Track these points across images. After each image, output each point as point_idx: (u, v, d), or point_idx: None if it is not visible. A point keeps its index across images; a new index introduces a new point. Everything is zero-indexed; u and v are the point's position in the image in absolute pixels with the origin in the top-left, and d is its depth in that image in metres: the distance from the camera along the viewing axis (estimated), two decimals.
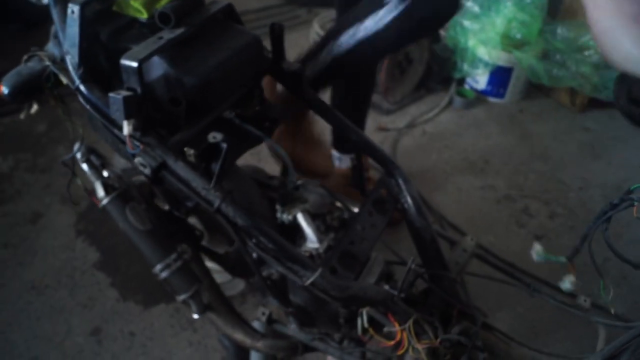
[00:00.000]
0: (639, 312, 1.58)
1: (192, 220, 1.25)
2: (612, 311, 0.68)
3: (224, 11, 0.90)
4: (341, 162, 1.82)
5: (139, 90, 0.75)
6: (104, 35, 0.86)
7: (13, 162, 2.05)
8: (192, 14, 0.85)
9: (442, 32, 2.52)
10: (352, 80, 1.67)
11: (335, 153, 1.84)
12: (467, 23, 2.34)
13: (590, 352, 0.77)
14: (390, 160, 1.03)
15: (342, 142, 1.78)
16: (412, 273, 0.93)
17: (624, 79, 0.46)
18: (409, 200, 1.00)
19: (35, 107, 0.94)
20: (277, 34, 0.93)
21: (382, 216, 1.00)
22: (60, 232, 1.80)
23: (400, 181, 1.01)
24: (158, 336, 1.53)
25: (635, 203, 0.50)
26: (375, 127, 2.30)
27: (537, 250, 0.70)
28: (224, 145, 0.80)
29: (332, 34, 1.36)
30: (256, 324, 1.10)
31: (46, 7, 0.85)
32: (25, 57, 0.89)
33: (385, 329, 0.88)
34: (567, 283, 0.76)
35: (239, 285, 1.56)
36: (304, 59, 1.41)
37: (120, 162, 1.16)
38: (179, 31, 0.80)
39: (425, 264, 1.01)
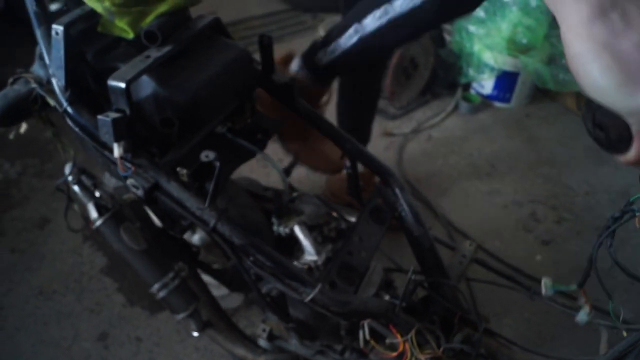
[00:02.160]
0: None
1: (188, 236, 1.25)
2: (625, 334, 0.67)
3: (211, 26, 0.89)
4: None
5: (127, 111, 0.73)
6: (90, 55, 0.84)
7: (21, 168, 2.06)
8: (179, 30, 0.83)
9: (447, 37, 2.52)
10: (358, 84, 1.67)
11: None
12: (472, 28, 2.34)
13: (595, 356, 0.77)
14: (386, 168, 1.02)
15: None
16: (413, 282, 0.92)
17: (590, 103, 0.46)
18: (406, 208, 0.98)
19: (24, 127, 0.92)
20: (265, 45, 0.92)
21: (379, 225, 0.99)
22: (68, 237, 1.81)
23: (397, 189, 0.99)
24: (164, 342, 1.54)
25: (637, 214, 0.50)
26: (381, 132, 2.30)
27: (546, 283, 0.70)
28: (217, 164, 0.79)
29: (355, 17, 1.29)
30: (261, 342, 1.09)
31: (53, 14, 0.83)
32: (10, 79, 0.87)
33: (388, 340, 0.88)
34: (582, 315, 0.76)
35: (238, 299, 1.55)
36: (322, 44, 1.36)
37: (111, 180, 1.14)
38: (166, 49, 0.79)
39: (424, 272, 1.00)
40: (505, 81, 2.40)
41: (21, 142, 2.17)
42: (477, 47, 2.34)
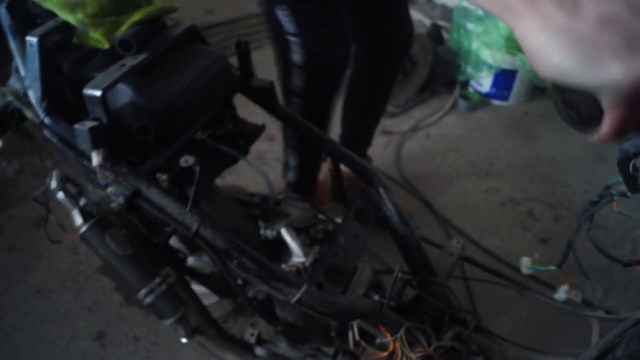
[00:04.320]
0: None
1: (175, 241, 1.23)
2: (603, 314, 0.68)
3: (187, 33, 0.88)
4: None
5: (104, 119, 0.73)
6: (66, 66, 0.84)
7: (18, 166, 2.06)
8: (155, 38, 0.83)
9: (445, 35, 2.52)
10: (367, 92, 1.67)
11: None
12: (470, 26, 2.34)
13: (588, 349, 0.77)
14: (369, 169, 1.01)
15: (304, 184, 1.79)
16: (400, 281, 0.91)
17: (557, 87, 0.46)
18: (391, 208, 0.98)
19: (0, 144, 0.91)
20: (243, 50, 0.92)
21: (365, 226, 0.99)
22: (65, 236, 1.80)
23: (381, 189, 0.99)
24: (162, 340, 1.54)
25: (615, 197, 0.50)
26: (379, 130, 2.30)
27: (525, 262, 0.70)
28: (197, 168, 0.78)
29: None
30: (258, 350, 1.08)
31: (49, 12, 0.81)
32: None
33: (378, 340, 0.87)
34: (561, 292, 0.76)
35: (227, 306, 1.55)
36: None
37: (97, 190, 1.13)
38: (142, 56, 0.79)
39: (412, 271, 1.00)
40: (504, 79, 2.40)
41: (19, 141, 2.17)
42: (475, 45, 2.34)
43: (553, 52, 0.42)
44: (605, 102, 0.43)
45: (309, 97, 1.37)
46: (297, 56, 1.24)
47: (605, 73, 0.41)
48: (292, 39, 1.21)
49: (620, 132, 0.45)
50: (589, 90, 0.43)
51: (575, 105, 0.47)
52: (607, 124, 0.45)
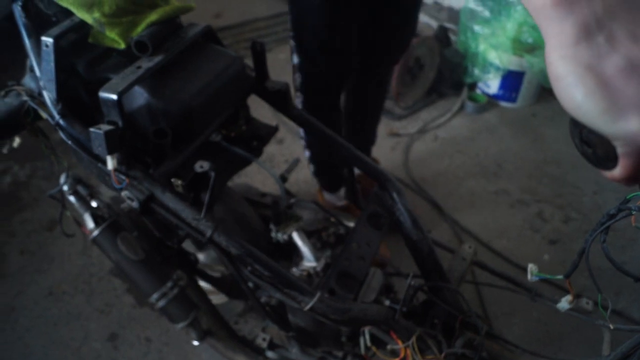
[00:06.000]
0: None
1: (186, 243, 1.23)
2: (611, 327, 0.67)
3: (202, 34, 0.88)
4: (338, 200, 1.81)
5: (120, 123, 0.73)
6: (81, 66, 0.83)
7: (30, 170, 2.08)
8: (170, 39, 0.82)
9: (452, 37, 2.52)
10: (364, 87, 1.68)
11: (326, 195, 1.82)
12: (477, 28, 2.34)
13: (598, 356, 0.77)
14: (383, 172, 1.01)
15: (327, 181, 1.78)
16: (412, 288, 0.91)
17: (576, 122, 0.45)
18: (404, 212, 0.97)
19: (17, 141, 0.90)
20: (258, 52, 0.91)
21: (377, 231, 0.98)
22: (77, 239, 1.82)
23: (394, 194, 0.98)
24: (174, 342, 1.55)
25: (634, 212, 0.49)
26: (387, 132, 2.31)
27: (531, 269, 0.70)
28: (212, 174, 0.78)
29: None
30: (269, 353, 1.08)
31: (64, 11, 0.81)
32: (2, 92, 0.85)
33: (389, 347, 0.87)
34: (564, 302, 0.76)
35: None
36: None
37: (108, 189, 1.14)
38: (158, 59, 0.78)
39: (424, 276, 0.99)
40: (511, 81, 2.40)
41: (30, 144, 2.19)
42: (482, 47, 2.34)
43: (576, 89, 0.40)
44: (621, 150, 0.42)
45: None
46: None
47: (624, 124, 0.39)
48: None
49: (634, 179, 0.44)
50: (606, 136, 0.42)
51: (592, 143, 0.46)
52: (621, 169, 0.44)
